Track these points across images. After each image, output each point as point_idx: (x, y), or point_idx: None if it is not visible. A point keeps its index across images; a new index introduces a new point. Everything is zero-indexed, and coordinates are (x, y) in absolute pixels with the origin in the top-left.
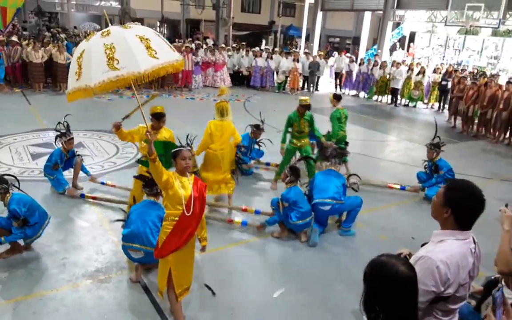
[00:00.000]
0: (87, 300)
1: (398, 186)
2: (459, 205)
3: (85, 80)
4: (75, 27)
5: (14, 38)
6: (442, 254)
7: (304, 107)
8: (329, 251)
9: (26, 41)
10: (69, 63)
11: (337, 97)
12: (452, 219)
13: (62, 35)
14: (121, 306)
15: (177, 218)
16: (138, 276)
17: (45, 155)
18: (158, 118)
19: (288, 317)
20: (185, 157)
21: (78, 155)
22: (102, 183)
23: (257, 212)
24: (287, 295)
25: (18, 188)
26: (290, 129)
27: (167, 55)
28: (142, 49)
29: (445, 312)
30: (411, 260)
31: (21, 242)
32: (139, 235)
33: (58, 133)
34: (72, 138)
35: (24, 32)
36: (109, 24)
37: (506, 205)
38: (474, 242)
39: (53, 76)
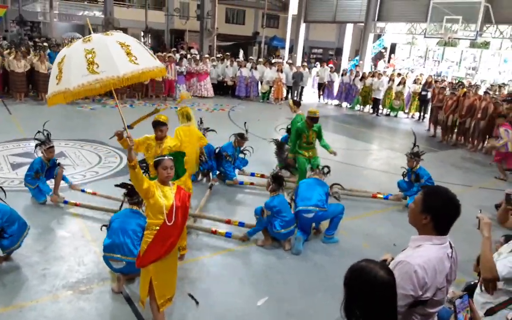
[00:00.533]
0: (68, 311)
1: (382, 196)
2: (438, 212)
3: (65, 84)
4: (59, 41)
5: None
6: (419, 259)
7: (313, 120)
8: (312, 259)
9: (8, 50)
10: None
11: (296, 103)
12: (431, 225)
13: (45, 44)
14: (102, 318)
15: (158, 228)
16: (120, 287)
17: (25, 165)
18: (154, 126)
19: None
20: (167, 167)
21: (59, 164)
22: (83, 191)
23: (240, 224)
24: (271, 303)
25: (1, 199)
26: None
27: (147, 62)
28: (122, 54)
29: (423, 316)
30: (391, 265)
31: None
32: (120, 245)
33: (38, 141)
34: (53, 146)
35: (4, 41)
36: (92, 33)
37: (480, 211)
38: (451, 246)
39: (34, 85)
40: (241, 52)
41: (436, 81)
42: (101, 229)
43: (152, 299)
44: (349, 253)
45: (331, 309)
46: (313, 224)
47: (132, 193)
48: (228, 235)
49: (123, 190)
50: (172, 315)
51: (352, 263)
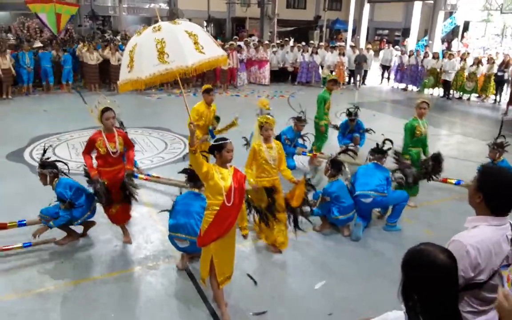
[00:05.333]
0: (137, 285)
1: (453, 181)
2: (491, 190)
3: (137, 73)
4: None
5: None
6: (473, 239)
7: (333, 82)
8: (372, 246)
9: (82, 44)
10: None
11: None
12: (484, 205)
13: (116, 38)
14: (167, 291)
15: (218, 208)
16: (184, 264)
17: None
18: (207, 92)
19: (328, 309)
20: (230, 150)
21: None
22: (148, 175)
23: None
24: (328, 287)
25: (66, 174)
26: None
27: (212, 51)
28: (190, 44)
29: (481, 301)
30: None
31: (76, 229)
32: (184, 226)
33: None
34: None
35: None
36: (160, 21)
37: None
38: None
39: (107, 77)
40: (291, 40)
41: None
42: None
43: (212, 276)
44: (411, 241)
45: (389, 297)
46: (378, 209)
47: (194, 178)
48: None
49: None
50: (231, 293)
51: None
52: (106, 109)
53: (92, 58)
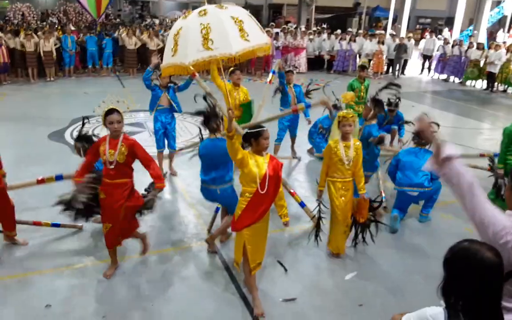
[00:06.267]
0: (170, 265)
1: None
2: None
3: (181, 57)
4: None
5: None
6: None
7: (359, 68)
8: (408, 240)
9: (123, 29)
10: (159, 48)
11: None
12: None
13: (155, 21)
14: (199, 272)
15: (251, 195)
16: (214, 247)
17: (137, 134)
18: (231, 73)
19: (358, 301)
20: (267, 137)
21: None
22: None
23: (302, 205)
24: (359, 279)
25: None
26: None
27: (257, 38)
28: (235, 30)
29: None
30: None
31: None
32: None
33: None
34: None
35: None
36: (206, 3)
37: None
38: None
39: (145, 61)
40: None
41: None
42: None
43: (245, 261)
44: (450, 237)
45: (423, 289)
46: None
47: (207, 121)
48: (302, 204)
49: None
50: (262, 278)
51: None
52: (111, 111)
53: (130, 42)
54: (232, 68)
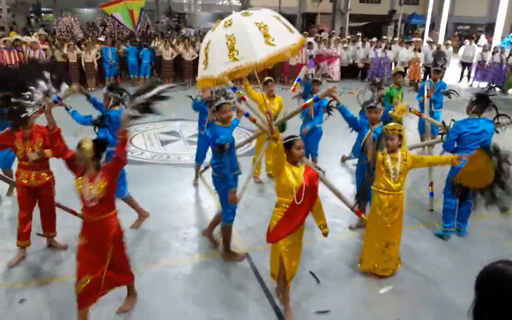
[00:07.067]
0: (199, 273)
1: None
2: None
3: (210, 70)
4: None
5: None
6: None
7: (399, 74)
8: (441, 255)
9: (158, 40)
10: (195, 59)
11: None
12: None
13: (191, 31)
14: (231, 284)
15: (288, 206)
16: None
17: (172, 142)
18: (265, 84)
19: (393, 314)
20: (300, 147)
21: None
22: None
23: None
24: (395, 293)
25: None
26: None
27: (284, 40)
28: (260, 37)
29: None
30: None
31: (147, 210)
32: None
33: None
34: None
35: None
36: (232, 12)
37: None
38: None
39: (181, 72)
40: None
41: None
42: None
43: (280, 273)
44: (487, 251)
45: (459, 308)
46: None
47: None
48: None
49: None
50: (294, 289)
51: (488, 264)
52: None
53: (167, 54)
54: (266, 79)
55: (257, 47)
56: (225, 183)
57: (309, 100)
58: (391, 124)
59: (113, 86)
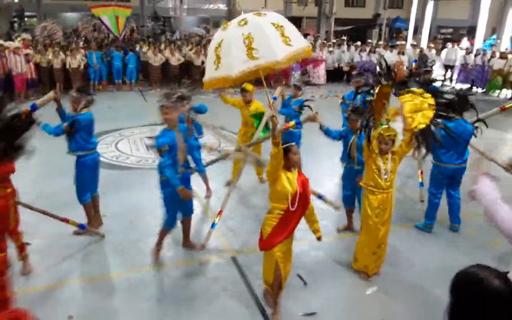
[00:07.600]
0: (186, 278)
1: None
2: None
3: (226, 70)
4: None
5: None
6: None
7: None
8: (434, 255)
9: (143, 44)
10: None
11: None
12: None
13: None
14: (215, 284)
15: (282, 213)
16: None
17: None
18: (241, 91)
19: (379, 315)
20: (296, 152)
21: None
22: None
23: (319, 197)
24: (381, 293)
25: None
26: None
27: (299, 42)
28: (277, 36)
29: None
30: None
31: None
32: None
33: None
34: None
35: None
36: (242, 13)
37: None
38: None
39: (167, 75)
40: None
41: None
42: None
43: (275, 280)
44: (476, 250)
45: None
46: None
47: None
48: (319, 197)
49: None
50: (283, 292)
51: (462, 268)
52: None
53: (156, 60)
54: (244, 88)
55: (275, 46)
56: (168, 186)
57: (291, 122)
58: (386, 127)
59: (82, 88)
